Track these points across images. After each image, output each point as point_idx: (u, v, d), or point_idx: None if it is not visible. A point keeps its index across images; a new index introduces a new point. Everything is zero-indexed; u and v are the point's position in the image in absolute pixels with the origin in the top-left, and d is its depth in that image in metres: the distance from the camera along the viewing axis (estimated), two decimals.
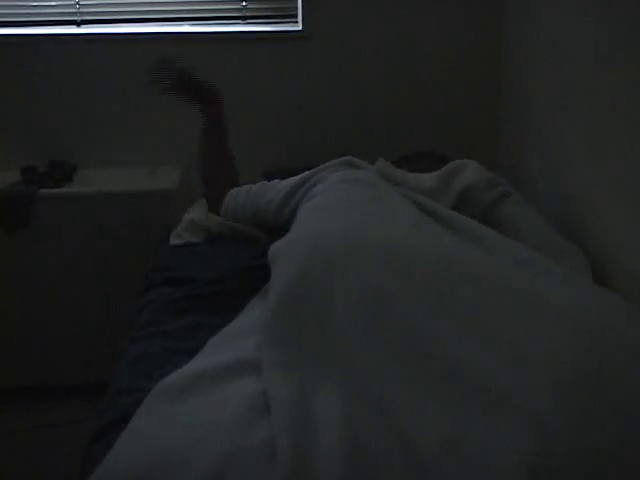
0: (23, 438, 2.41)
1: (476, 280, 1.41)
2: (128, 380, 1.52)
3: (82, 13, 2.69)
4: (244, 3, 2.73)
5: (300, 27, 2.72)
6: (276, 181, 2.16)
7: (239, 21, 2.75)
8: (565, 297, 1.40)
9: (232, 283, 1.95)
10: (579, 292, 1.48)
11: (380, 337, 1.31)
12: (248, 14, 2.74)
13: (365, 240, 1.53)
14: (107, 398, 1.50)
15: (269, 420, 1.19)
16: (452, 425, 1.13)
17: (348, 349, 1.31)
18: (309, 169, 2.07)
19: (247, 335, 1.51)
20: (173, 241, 2.35)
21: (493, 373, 1.18)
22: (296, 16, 2.74)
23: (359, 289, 1.39)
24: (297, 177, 2.05)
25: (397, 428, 1.15)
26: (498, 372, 1.18)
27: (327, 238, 1.56)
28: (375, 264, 1.43)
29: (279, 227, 1.99)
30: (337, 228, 1.62)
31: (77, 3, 2.68)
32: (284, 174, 2.19)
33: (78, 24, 2.70)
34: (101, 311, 2.60)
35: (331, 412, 1.18)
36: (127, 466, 1.13)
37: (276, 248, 1.65)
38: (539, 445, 1.04)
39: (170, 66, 2.20)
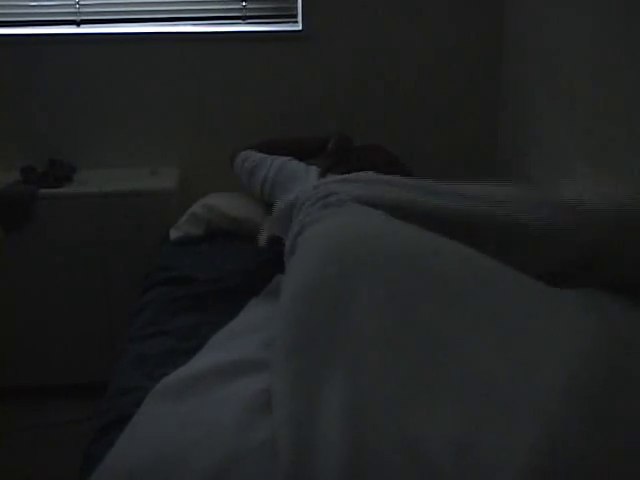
0: (23, 438, 2.41)
1: (493, 282, 1.40)
2: (128, 380, 1.52)
3: (82, 13, 2.69)
4: (244, 3, 2.73)
5: (300, 27, 2.72)
6: (272, 158, 2.26)
7: (239, 21, 2.75)
8: (574, 306, 1.39)
9: (232, 282, 1.95)
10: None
11: (397, 337, 1.29)
12: (248, 14, 2.74)
13: (389, 239, 1.51)
14: (107, 398, 1.50)
15: (269, 420, 1.18)
16: (462, 425, 1.12)
17: (355, 349, 1.30)
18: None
19: (248, 334, 1.50)
20: (172, 234, 2.35)
21: (505, 373, 1.18)
22: (296, 16, 2.74)
23: (375, 290, 1.37)
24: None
25: (403, 428, 1.14)
26: (510, 373, 1.18)
27: (344, 238, 1.53)
28: (392, 264, 1.42)
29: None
30: (356, 226, 1.59)
31: (77, 3, 2.68)
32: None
33: (78, 24, 2.70)
34: (101, 311, 2.60)
35: (334, 412, 1.18)
36: (127, 465, 1.13)
37: (294, 243, 1.64)
38: (550, 446, 1.03)
39: None
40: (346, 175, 1.92)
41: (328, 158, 2.23)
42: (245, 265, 2.03)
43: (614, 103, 1.91)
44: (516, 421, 1.09)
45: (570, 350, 1.21)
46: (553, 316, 1.32)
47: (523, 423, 1.08)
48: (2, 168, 2.69)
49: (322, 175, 2.12)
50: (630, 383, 1.18)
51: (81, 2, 2.68)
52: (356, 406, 1.19)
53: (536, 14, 2.44)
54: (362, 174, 1.91)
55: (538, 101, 2.44)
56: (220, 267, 2.07)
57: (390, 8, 2.71)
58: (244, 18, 2.75)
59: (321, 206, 1.73)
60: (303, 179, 2.13)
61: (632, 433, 1.09)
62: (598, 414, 1.09)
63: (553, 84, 2.30)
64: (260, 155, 2.31)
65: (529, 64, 2.52)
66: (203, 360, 1.43)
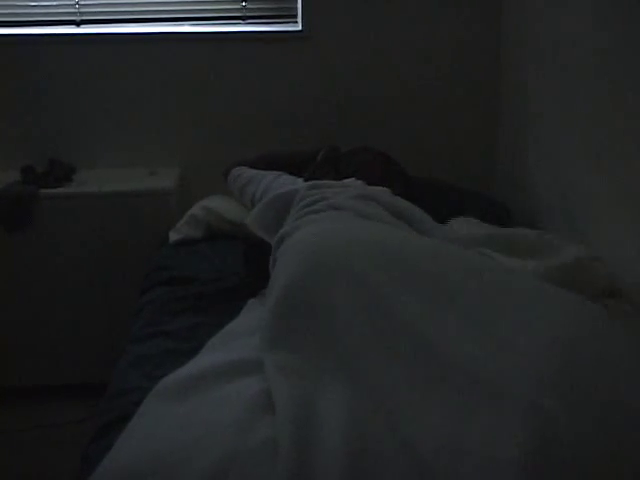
0: (23, 438, 2.41)
1: (474, 276, 1.41)
2: (128, 380, 1.53)
3: (82, 13, 2.69)
4: (244, 3, 2.73)
5: (300, 27, 2.72)
6: (263, 175, 2.24)
7: (239, 21, 2.75)
8: (556, 295, 1.40)
9: (232, 283, 1.96)
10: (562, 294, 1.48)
11: (381, 337, 1.31)
12: (248, 14, 2.74)
13: (365, 242, 1.53)
14: (107, 398, 1.51)
15: (269, 420, 1.19)
16: (453, 424, 1.12)
17: (350, 350, 1.31)
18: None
19: (247, 335, 1.51)
20: (172, 236, 2.35)
21: (493, 369, 1.18)
22: (296, 16, 2.74)
23: (359, 290, 1.39)
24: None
25: (400, 430, 1.15)
26: (498, 368, 1.18)
27: (327, 240, 1.55)
28: (375, 264, 1.43)
29: None
30: (337, 231, 1.62)
31: (77, 3, 2.68)
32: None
33: (78, 24, 2.70)
34: (101, 311, 2.60)
35: (334, 413, 1.18)
36: (127, 466, 1.13)
37: (278, 250, 1.66)
38: (539, 439, 1.04)
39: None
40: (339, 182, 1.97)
41: (317, 169, 2.23)
42: (244, 265, 2.03)
43: (614, 103, 1.91)
44: (505, 416, 1.09)
45: (556, 342, 1.21)
46: (539, 306, 1.33)
47: (513, 418, 1.08)
48: (2, 168, 2.69)
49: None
50: (619, 369, 1.18)
51: (81, 2, 2.68)
52: (355, 409, 1.19)
53: (536, 14, 2.44)
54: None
55: (538, 101, 2.44)
56: (220, 267, 2.07)
57: (390, 8, 2.71)
58: (244, 18, 2.75)
59: (309, 211, 1.77)
60: None
61: (621, 424, 1.09)
62: (588, 406, 1.09)
63: (553, 84, 2.30)
64: (252, 172, 2.31)
65: (529, 64, 2.52)
66: (202, 360, 1.43)
